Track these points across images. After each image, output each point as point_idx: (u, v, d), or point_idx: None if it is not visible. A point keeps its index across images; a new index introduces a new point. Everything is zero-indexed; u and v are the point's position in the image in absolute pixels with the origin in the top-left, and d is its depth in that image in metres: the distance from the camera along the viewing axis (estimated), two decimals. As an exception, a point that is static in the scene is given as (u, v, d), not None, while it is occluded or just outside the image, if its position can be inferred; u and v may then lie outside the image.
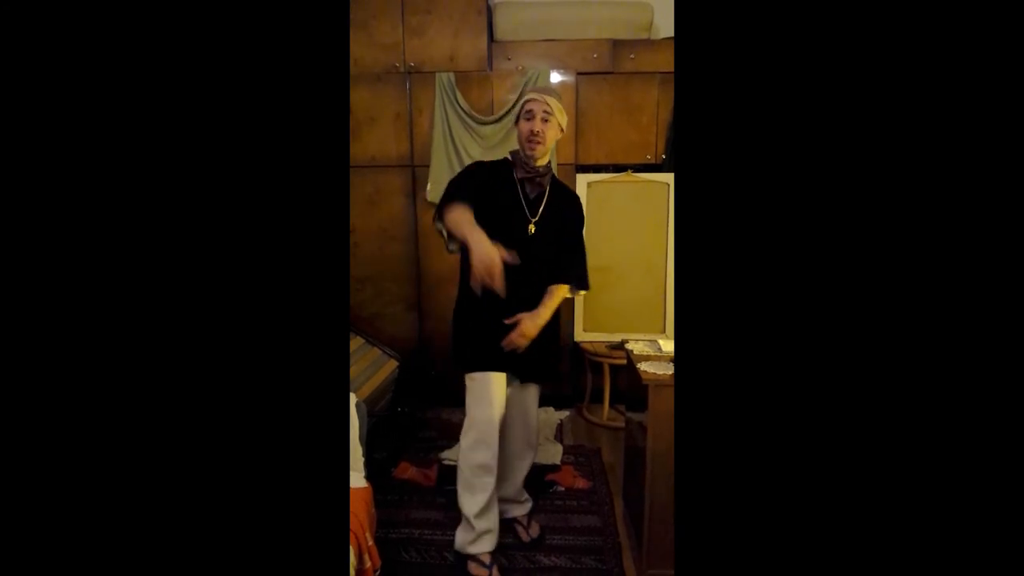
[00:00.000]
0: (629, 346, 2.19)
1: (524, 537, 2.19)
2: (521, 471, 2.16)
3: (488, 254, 1.61)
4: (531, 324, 1.86)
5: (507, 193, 1.91)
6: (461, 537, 2.02)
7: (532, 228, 1.90)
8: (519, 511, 2.23)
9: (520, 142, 1.89)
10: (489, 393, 1.92)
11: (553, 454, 2.73)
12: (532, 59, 3.17)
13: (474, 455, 1.94)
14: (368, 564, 1.70)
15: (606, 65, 3.14)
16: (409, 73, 3.15)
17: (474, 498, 1.96)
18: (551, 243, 1.94)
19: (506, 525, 2.17)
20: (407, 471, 2.67)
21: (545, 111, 1.83)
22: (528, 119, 1.84)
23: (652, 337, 2.50)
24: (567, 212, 2.00)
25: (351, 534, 1.62)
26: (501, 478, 2.06)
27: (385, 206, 3.28)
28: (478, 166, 1.96)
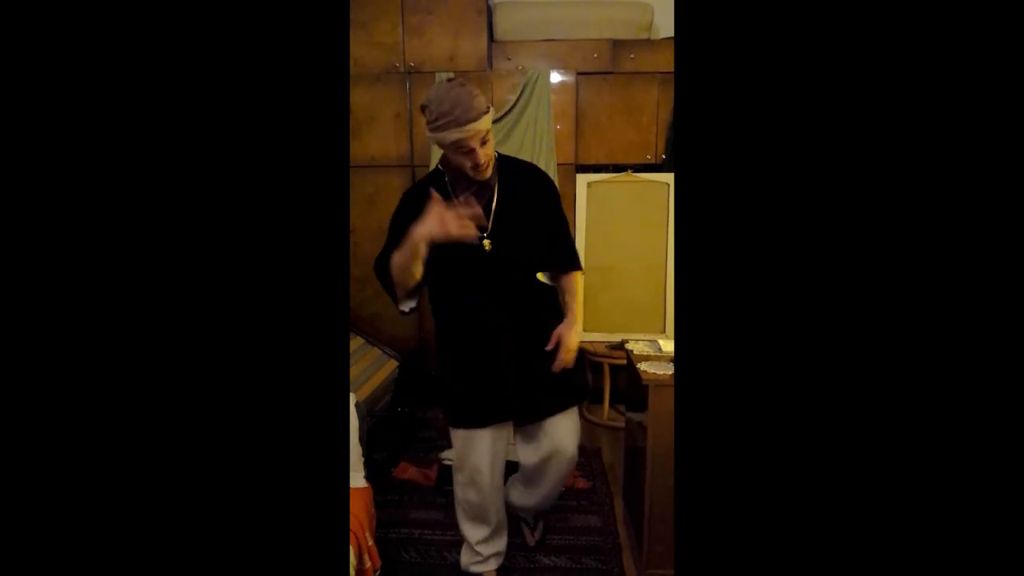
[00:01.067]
0: (629, 346, 2.19)
1: (529, 540, 2.17)
2: (550, 481, 1.91)
3: (427, 224, 1.45)
4: (573, 335, 1.66)
5: None
6: (466, 558, 1.98)
7: (487, 244, 1.61)
8: (529, 514, 2.18)
9: (462, 171, 1.60)
10: (475, 443, 1.77)
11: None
12: (532, 59, 3.17)
13: (467, 494, 1.86)
14: (368, 564, 1.70)
15: (606, 65, 3.14)
16: (409, 73, 3.15)
17: (476, 529, 1.91)
18: (518, 244, 1.66)
19: (514, 524, 2.12)
20: (407, 471, 2.67)
21: (483, 139, 1.54)
22: (464, 152, 1.55)
23: (652, 337, 2.50)
24: (529, 196, 1.69)
25: (351, 534, 1.62)
26: (530, 492, 1.97)
27: (385, 206, 3.25)
28: (403, 203, 1.72)
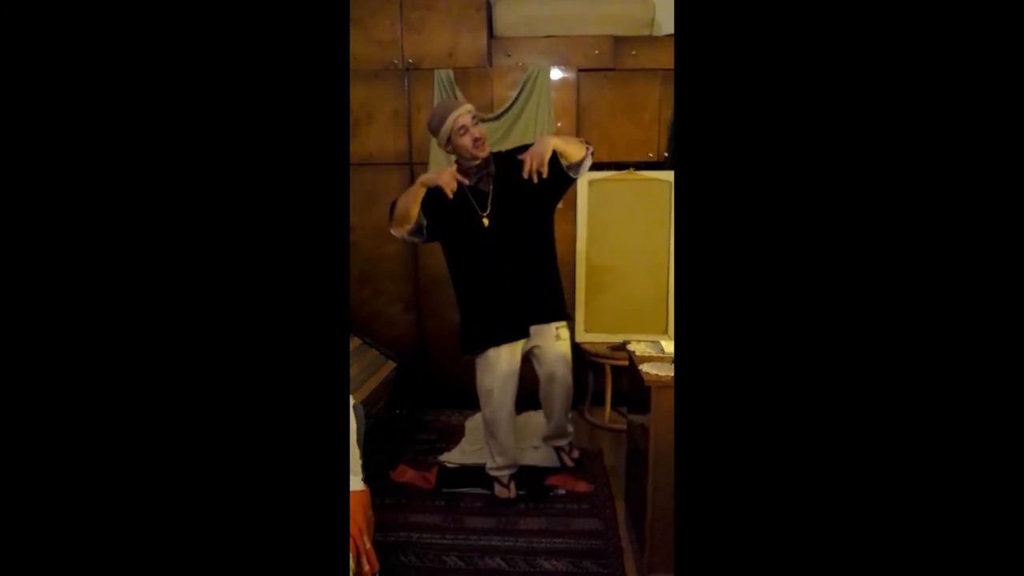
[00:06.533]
0: (631, 347, 2.17)
1: (568, 462, 2.62)
2: (556, 405, 2.46)
3: (426, 176, 2.04)
4: (539, 146, 2.07)
5: (457, 204, 2.12)
6: (488, 462, 2.48)
7: (485, 221, 2.11)
8: (562, 442, 2.65)
9: (467, 153, 2.11)
10: (491, 364, 2.29)
11: (554, 457, 2.70)
12: (532, 55, 3.14)
13: (486, 416, 2.38)
14: (367, 567, 1.68)
15: (607, 62, 3.12)
16: (408, 70, 3.13)
17: (496, 443, 2.41)
18: (515, 220, 2.15)
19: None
20: (405, 474, 2.64)
21: (473, 117, 2.10)
22: (463, 133, 2.08)
23: (654, 338, 2.47)
24: (518, 178, 2.09)
25: (349, 538, 1.59)
26: (545, 417, 2.58)
27: (383, 204, 3.23)
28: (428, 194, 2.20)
